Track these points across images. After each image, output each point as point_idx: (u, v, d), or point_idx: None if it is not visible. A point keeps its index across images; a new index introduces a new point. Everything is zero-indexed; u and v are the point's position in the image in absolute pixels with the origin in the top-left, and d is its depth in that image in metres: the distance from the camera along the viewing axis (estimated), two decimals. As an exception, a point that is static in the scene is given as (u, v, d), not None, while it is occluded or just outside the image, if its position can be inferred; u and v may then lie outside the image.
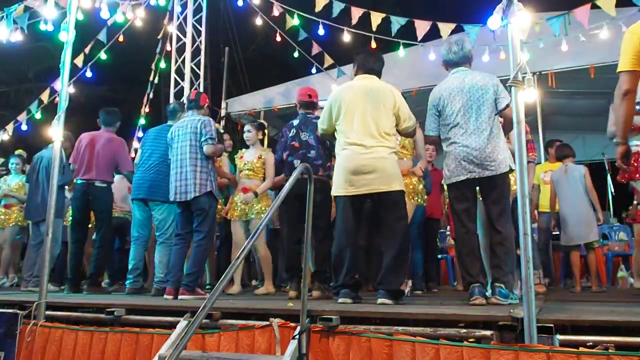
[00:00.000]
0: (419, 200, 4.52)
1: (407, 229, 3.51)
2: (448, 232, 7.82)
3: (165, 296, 4.07)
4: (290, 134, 4.29)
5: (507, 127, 3.22)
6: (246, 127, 5.16)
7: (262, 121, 5.45)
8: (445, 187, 4.46)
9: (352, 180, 3.44)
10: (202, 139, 4.14)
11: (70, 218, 5.34)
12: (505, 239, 3.28)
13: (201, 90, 8.45)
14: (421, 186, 4.55)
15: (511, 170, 3.34)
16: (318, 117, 4.15)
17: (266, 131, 5.19)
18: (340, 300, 3.37)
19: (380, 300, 3.22)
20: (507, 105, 3.08)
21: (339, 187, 3.52)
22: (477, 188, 3.49)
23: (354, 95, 3.55)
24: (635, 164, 3.70)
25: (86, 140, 5.17)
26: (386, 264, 3.35)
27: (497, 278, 3.26)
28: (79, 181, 5.09)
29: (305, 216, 2.76)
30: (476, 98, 3.38)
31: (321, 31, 7.03)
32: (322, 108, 4.09)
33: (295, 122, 4.36)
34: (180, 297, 3.97)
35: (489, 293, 3.26)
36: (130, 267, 4.77)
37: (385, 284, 3.29)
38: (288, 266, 4.30)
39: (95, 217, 5.23)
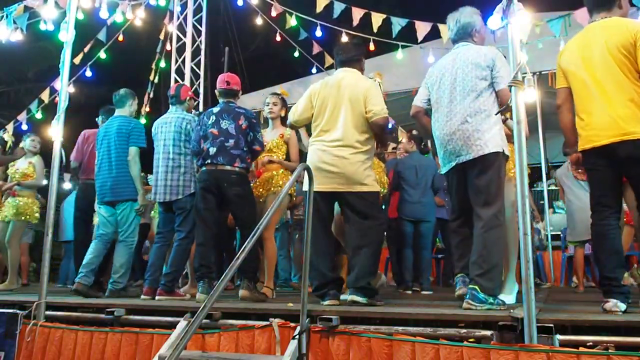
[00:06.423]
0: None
1: (372, 228, 3.31)
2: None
3: (142, 296, 3.96)
4: (210, 122, 4.02)
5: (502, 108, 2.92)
6: (269, 99, 4.61)
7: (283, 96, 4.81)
8: None
9: (316, 176, 3.23)
10: (188, 140, 4.15)
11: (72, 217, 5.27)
12: (488, 227, 2.83)
13: (201, 90, 8.46)
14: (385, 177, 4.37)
15: (506, 157, 3.02)
16: (239, 106, 4.11)
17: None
18: (326, 302, 3.18)
19: (350, 298, 3.13)
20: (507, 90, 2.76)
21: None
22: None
23: (330, 89, 3.45)
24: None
25: (93, 138, 4.94)
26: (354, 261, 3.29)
27: (472, 278, 2.81)
28: (87, 182, 4.97)
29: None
30: (463, 76, 3.02)
31: (319, 32, 7.04)
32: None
33: (216, 109, 4.09)
34: (157, 297, 3.85)
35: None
36: (85, 260, 4.33)
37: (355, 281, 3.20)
38: (198, 265, 3.92)
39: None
